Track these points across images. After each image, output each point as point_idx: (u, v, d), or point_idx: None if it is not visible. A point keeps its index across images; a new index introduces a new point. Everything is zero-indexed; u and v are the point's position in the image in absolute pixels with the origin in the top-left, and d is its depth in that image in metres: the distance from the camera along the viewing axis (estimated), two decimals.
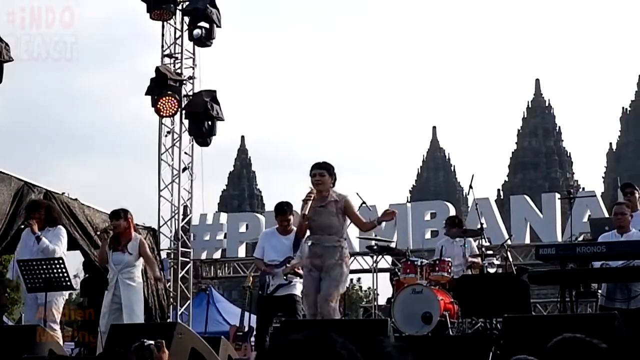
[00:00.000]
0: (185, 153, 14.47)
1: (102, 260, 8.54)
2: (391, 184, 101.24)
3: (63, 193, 10.46)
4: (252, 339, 12.28)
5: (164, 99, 13.79)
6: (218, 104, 14.17)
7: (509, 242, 12.93)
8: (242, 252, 19.92)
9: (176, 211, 14.36)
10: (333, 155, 76.12)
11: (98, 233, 9.79)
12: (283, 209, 8.30)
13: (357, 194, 8.76)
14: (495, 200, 22.23)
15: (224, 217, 21.03)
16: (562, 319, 6.80)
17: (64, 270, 7.85)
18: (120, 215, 8.40)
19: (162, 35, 14.61)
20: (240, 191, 69.59)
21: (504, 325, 6.62)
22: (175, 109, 13.92)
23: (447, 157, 76.78)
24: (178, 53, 14.60)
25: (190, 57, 14.64)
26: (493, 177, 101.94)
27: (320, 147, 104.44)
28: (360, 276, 40.49)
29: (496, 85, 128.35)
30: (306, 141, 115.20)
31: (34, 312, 8.12)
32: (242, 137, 73.15)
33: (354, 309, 29.51)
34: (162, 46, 14.60)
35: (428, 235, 18.52)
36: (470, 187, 10.41)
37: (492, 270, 9.39)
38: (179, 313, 14.09)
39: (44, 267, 7.83)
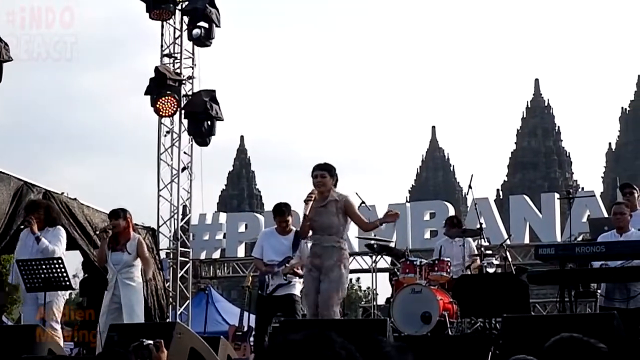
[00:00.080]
0: (185, 153, 14.49)
1: (101, 260, 8.52)
2: (390, 184, 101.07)
3: (62, 193, 10.45)
4: (251, 338, 12.28)
5: (163, 98, 13.79)
6: (217, 103, 14.17)
7: (508, 242, 12.96)
8: (241, 252, 19.94)
9: (175, 211, 14.36)
10: (332, 155, 75.98)
11: (97, 233, 9.78)
12: (281, 210, 8.30)
13: (357, 193, 8.78)
14: (495, 200, 22.23)
15: (223, 217, 21.05)
16: (562, 318, 6.81)
17: (63, 270, 7.85)
18: (119, 214, 8.38)
19: (162, 35, 14.62)
20: (240, 191, 69.52)
21: (503, 325, 6.62)
22: (174, 109, 13.92)
23: (446, 157, 76.74)
24: (177, 53, 14.60)
25: (190, 57, 14.63)
26: (492, 177, 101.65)
27: (319, 147, 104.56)
28: (360, 276, 40.62)
29: (495, 85, 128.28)
30: (305, 141, 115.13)
31: (34, 312, 8.11)
32: (242, 137, 73.13)
33: (353, 309, 29.50)
34: (162, 46, 14.60)
35: (427, 235, 18.55)
36: (470, 187, 10.42)
37: (491, 270, 9.40)
38: (178, 313, 14.08)
39: (43, 267, 7.83)
